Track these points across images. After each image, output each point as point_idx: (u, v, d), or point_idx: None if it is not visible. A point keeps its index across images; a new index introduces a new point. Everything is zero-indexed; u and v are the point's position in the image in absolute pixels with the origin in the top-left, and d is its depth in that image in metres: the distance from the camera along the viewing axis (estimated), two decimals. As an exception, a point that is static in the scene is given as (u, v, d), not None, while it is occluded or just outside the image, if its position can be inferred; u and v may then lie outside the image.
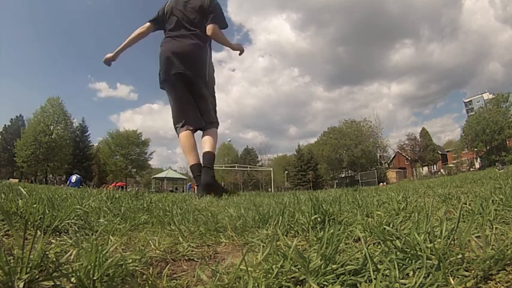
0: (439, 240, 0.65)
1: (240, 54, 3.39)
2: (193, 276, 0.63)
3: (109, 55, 3.15)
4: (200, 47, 2.80)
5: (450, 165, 40.09)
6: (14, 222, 0.93)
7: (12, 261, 0.52)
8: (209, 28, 2.81)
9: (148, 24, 3.02)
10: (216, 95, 3.02)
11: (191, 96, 2.80)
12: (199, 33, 2.82)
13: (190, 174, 2.88)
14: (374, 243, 0.78)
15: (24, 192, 1.48)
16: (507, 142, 32.94)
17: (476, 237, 0.67)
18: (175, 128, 2.86)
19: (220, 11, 2.94)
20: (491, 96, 39.27)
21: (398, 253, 0.61)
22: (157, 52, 2.83)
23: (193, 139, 2.80)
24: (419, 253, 0.59)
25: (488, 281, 0.53)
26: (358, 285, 0.53)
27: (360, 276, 0.55)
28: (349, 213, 1.20)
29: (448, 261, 0.56)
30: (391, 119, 76.61)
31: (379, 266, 0.56)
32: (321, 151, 45.11)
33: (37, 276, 0.50)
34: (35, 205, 1.12)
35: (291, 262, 0.58)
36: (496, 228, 0.78)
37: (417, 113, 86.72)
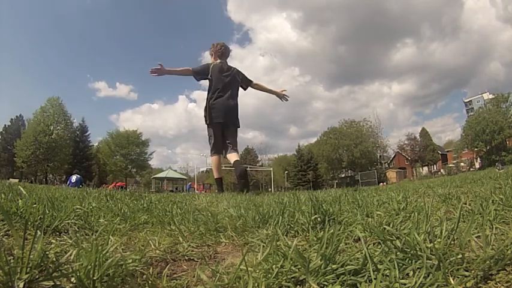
0: (439, 240, 0.65)
1: (283, 99, 4.58)
2: (193, 276, 0.63)
3: (160, 66, 3.88)
4: (237, 105, 4.20)
5: (450, 165, 40.08)
6: (14, 222, 0.93)
7: (12, 261, 0.52)
8: (254, 83, 4.46)
9: (191, 70, 4.13)
10: None
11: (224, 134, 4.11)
12: (236, 95, 4.20)
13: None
14: (374, 243, 0.78)
15: (24, 192, 1.48)
16: (507, 142, 32.93)
17: (476, 237, 0.67)
18: (211, 151, 4.12)
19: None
20: (491, 96, 39.26)
21: (398, 253, 0.61)
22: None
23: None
24: (419, 253, 0.59)
25: (488, 281, 0.53)
26: (358, 285, 0.53)
27: (360, 276, 0.55)
28: (349, 213, 1.20)
29: (448, 261, 0.56)
30: (391, 118, 76.38)
31: (379, 266, 0.56)
32: (321, 151, 45.10)
33: (37, 276, 0.51)
34: (35, 205, 1.12)
35: (291, 262, 0.58)
36: (496, 228, 0.78)
37: (418, 113, 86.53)
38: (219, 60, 4.20)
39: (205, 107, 4.05)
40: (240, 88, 4.29)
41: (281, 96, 4.54)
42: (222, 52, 4.22)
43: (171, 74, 4.14)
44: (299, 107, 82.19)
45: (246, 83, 4.34)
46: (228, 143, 4.02)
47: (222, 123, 4.01)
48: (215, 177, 4.15)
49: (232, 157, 3.92)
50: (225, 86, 4.05)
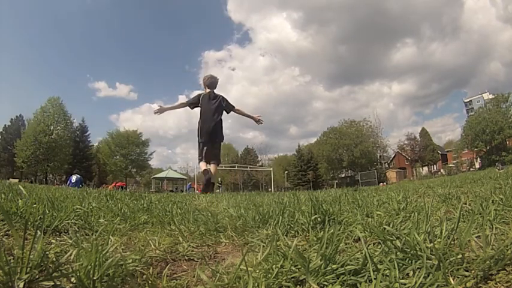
0: (439, 240, 0.65)
1: (258, 123, 5.57)
2: (193, 276, 0.63)
3: (160, 107, 5.19)
4: (222, 127, 5.28)
5: (450, 165, 40.09)
6: (14, 222, 0.93)
7: (12, 261, 0.52)
8: (236, 109, 5.39)
9: (185, 103, 5.38)
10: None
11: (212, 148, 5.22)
12: (221, 118, 5.23)
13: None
14: (374, 243, 0.78)
15: (24, 192, 1.48)
16: (507, 142, 32.92)
17: (476, 237, 0.67)
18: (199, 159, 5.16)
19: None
20: (491, 96, 39.22)
21: (398, 253, 0.61)
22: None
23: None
24: (419, 253, 0.59)
25: (488, 281, 0.53)
26: (358, 285, 0.53)
27: (360, 276, 0.55)
28: (349, 213, 1.20)
29: (448, 261, 0.56)
30: (392, 118, 76.08)
31: (379, 266, 0.56)
32: (321, 151, 45.14)
33: (37, 276, 0.51)
34: (35, 205, 1.12)
35: (291, 262, 0.58)
36: (496, 228, 0.78)
37: (418, 113, 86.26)
38: (208, 90, 5.25)
39: (198, 128, 5.13)
40: (224, 112, 5.31)
41: (257, 120, 5.55)
42: (210, 83, 5.29)
43: (170, 109, 5.49)
44: (299, 107, 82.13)
45: (229, 108, 5.33)
46: (213, 155, 5.16)
47: (210, 141, 5.11)
48: (202, 169, 4.88)
49: (211, 168, 5.01)
50: (211, 112, 5.12)
